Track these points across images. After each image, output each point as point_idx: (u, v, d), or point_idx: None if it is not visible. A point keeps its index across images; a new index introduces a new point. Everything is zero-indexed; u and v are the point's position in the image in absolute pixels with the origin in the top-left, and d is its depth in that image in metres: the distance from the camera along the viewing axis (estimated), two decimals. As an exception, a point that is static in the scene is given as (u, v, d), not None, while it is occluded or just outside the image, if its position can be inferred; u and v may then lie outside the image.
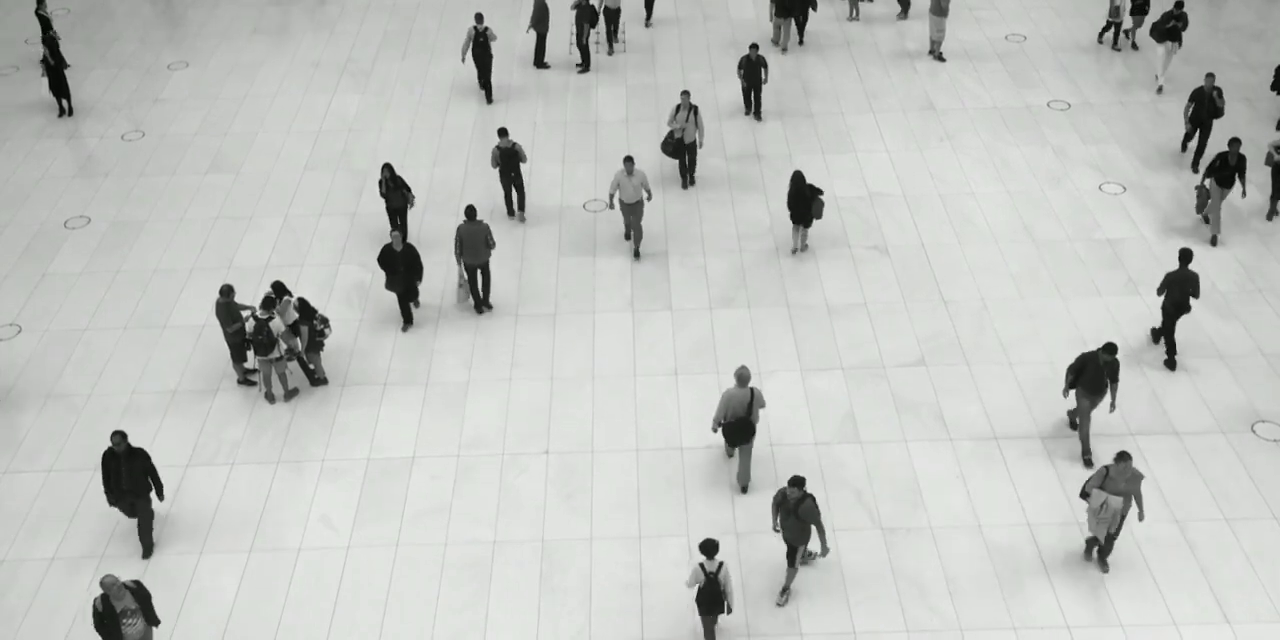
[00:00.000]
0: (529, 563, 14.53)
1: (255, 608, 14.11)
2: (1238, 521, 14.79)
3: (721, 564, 12.65)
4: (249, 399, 17.09)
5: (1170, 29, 23.03)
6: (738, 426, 14.82)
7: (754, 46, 22.25)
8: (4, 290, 19.34)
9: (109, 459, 14.28)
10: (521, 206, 20.50)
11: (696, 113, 20.45)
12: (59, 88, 23.66)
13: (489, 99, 24.03)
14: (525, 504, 15.31)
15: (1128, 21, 26.69)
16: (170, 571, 14.55)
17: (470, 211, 17.84)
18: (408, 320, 18.14)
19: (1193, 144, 22.28)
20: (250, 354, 17.57)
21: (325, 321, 16.91)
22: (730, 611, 13.00)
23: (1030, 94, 23.88)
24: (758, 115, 23.11)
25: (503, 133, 19.63)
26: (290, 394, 17.00)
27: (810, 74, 24.85)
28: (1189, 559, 14.34)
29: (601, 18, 26.39)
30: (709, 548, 12.49)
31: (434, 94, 24.53)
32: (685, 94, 20.39)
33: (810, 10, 25.53)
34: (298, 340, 16.66)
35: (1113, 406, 15.12)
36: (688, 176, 21.19)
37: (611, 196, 18.89)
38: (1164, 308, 16.81)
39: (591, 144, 22.72)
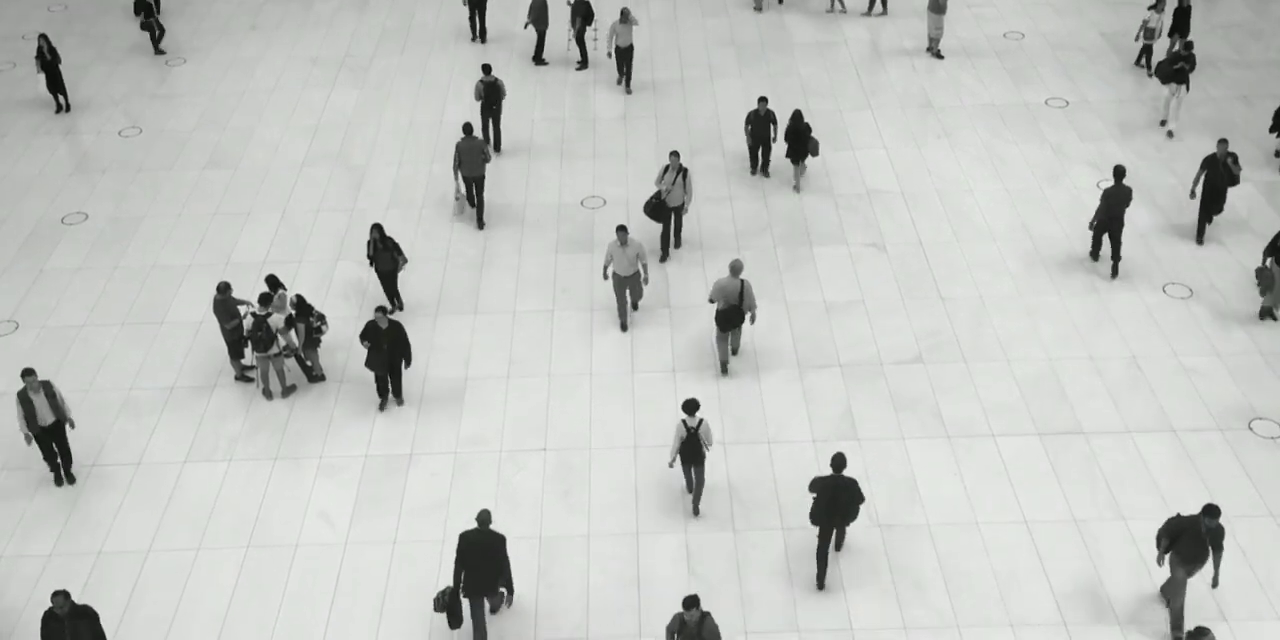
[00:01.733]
0: (527, 559, 14.54)
1: (253, 603, 14.11)
2: (1235, 519, 14.81)
3: (701, 421, 14.35)
4: (247, 395, 17.08)
5: (1177, 70, 21.49)
6: (729, 312, 16.61)
7: (763, 100, 20.23)
8: (1, 286, 19.32)
9: (50, 623, 12.19)
10: (498, 141, 22.26)
11: (686, 175, 18.72)
12: (55, 84, 23.61)
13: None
14: (523, 501, 15.32)
15: (1163, 43, 25.38)
16: (168, 567, 14.55)
17: (467, 128, 19.67)
18: (386, 400, 16.64)
19: (1198, 197, 19.86)
20: (248, 350, 17.55)
21: (322, 318, 16.90)
22: (708, 447, 14.54)
23: (1028, 91, 23.89)
24: (765, 172, 21.30)
25: (486, 69, 21.52)
26: (288, 390, 16.99)
27: (808, 71, 24.84)
28: (1186, 556, 14.36)
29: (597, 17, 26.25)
30: (690, 406, 14.24)
31: (432, 89, 24.50)
32: (674, 155, 18.60)
33: None
34: (293, 334, 16.64)
35: (1215, 581, 13.05)
36: (672, 243, 19.44)
37: (605, 268, 17.44)
38: (1098, 223, 18.52)
39: (590, 141, 22.71)
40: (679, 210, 19.06)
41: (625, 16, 22.95)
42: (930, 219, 20.28)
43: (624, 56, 23.62)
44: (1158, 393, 16.69)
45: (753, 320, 16.92)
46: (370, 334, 16.12)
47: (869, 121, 23.06)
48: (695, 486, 14.73)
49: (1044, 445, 15.95)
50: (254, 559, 14.66)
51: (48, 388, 14.95)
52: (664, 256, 19.19)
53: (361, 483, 15.63)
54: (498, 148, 22.26)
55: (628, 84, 23.97)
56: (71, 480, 15.64)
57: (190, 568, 14.55)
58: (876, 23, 26.66)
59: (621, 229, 16.87)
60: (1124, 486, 15.30)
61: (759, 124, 20.61)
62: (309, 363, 17.04)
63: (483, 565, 13.06)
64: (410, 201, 21.01)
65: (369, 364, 16.25)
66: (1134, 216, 20.14)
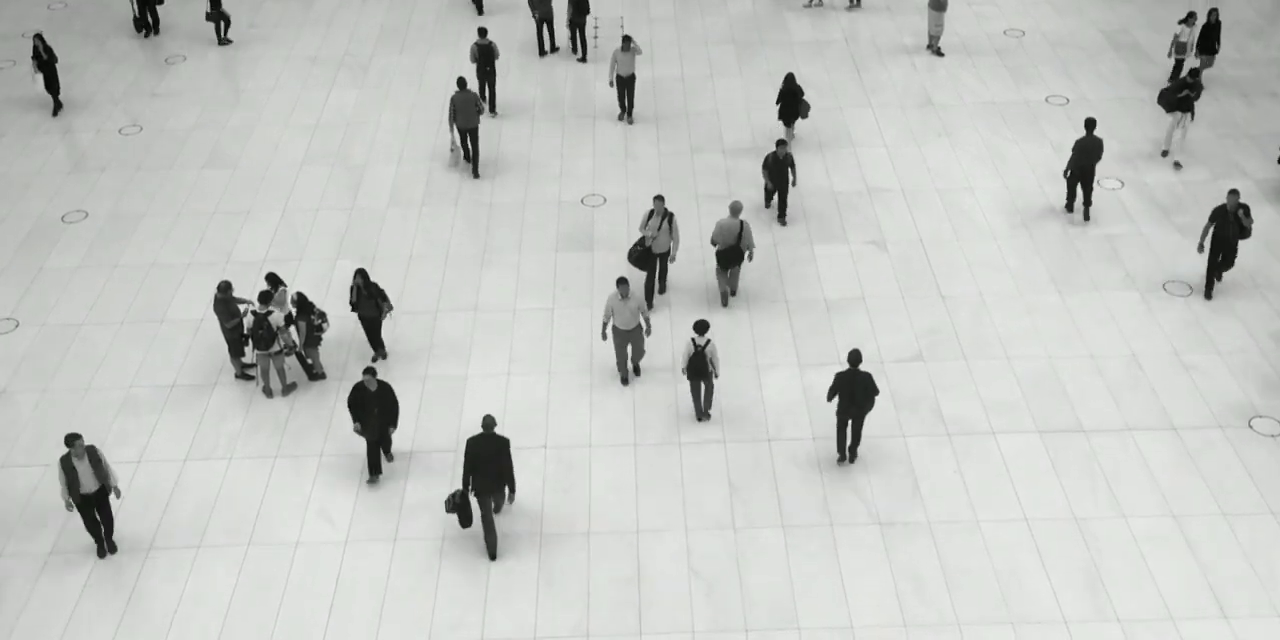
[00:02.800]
0: (526, 557, 14.53)
1: (253, 601, 14.11)
2: (1235, 516, 14.82)
3: (709, 341, 15.57)
4: (247, 393, 17.08)
5: (1183, 98, 20.55)
6: (729, 252, 17.81)
7: (781, 143, 18.99)
8: (1, 284, 19.31)
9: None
10: (493, 102, 23.35)
11: (672, 221, 17.56)
12: (52, 84, 23.53)
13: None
14: (523, 498, 15.31)
15: (1193, 61, 24.43)
16: (168, 565, 14.54)
17: (461, 82, 20.70)
18: (375, 471, 15.41)
19: (1207, 253, 18.93)
20: (248, 348, 17.55)
21: (323, 316, 16.90)
22: (717, 376, 15.90)
23: (1029, 89, 23.88)
24: (781, 219, 19.94)
25: (482, 32, 22.50)
26: (288, 389, 16.99)
27: (808, 68, 24.83)
28: (1186, 554, 14.36)
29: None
30: (700, 326, 15.48)
31: (432, 88, 24.49)
32: (659, 199, 17.51)
33: None
34: (293, 332, 16.64)
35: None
36: (656, 289, 18.33)
37: (605, 325, 16.37)
38: (1071, 173, 19.58)
39: (590, 139, 22.70)
40: (665, 257, 17.94)
41: (627, 44, 21.93)
42: (931, 217, 20.28)
43: (625, 85, 22.46)
44: (1158, 390, 16.69)
45: (750, 258, 18.14)
46: (358, 400, 14.88)
47: (869, 119, 23.05)
48: (705, 396, 16.17)
49: (1044, 443, 15.94)
50: (254, 557, 14.66)
51: (92, 453, 13.92)
52: (649, 305, 17.76)
53: (362, 481, 15.62)
54: (493, 108, 23.41)
55: (629, 115, 22.91)
56: (114, 550, 14.61)
57: (190, 566, 14.55)
58: (877, 20, 26.64)
59: (622, 282, 15.85)
60: (1124, 484, 15.30)
61: (776, 168, 19.27)
62: (309, 361, 17.04)
63: (489, 467, 14.09)
64: (410, 200, 21.01)
65: (359, 431, 15.07)
66: (1135, 215, 20.15)
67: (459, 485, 15.53)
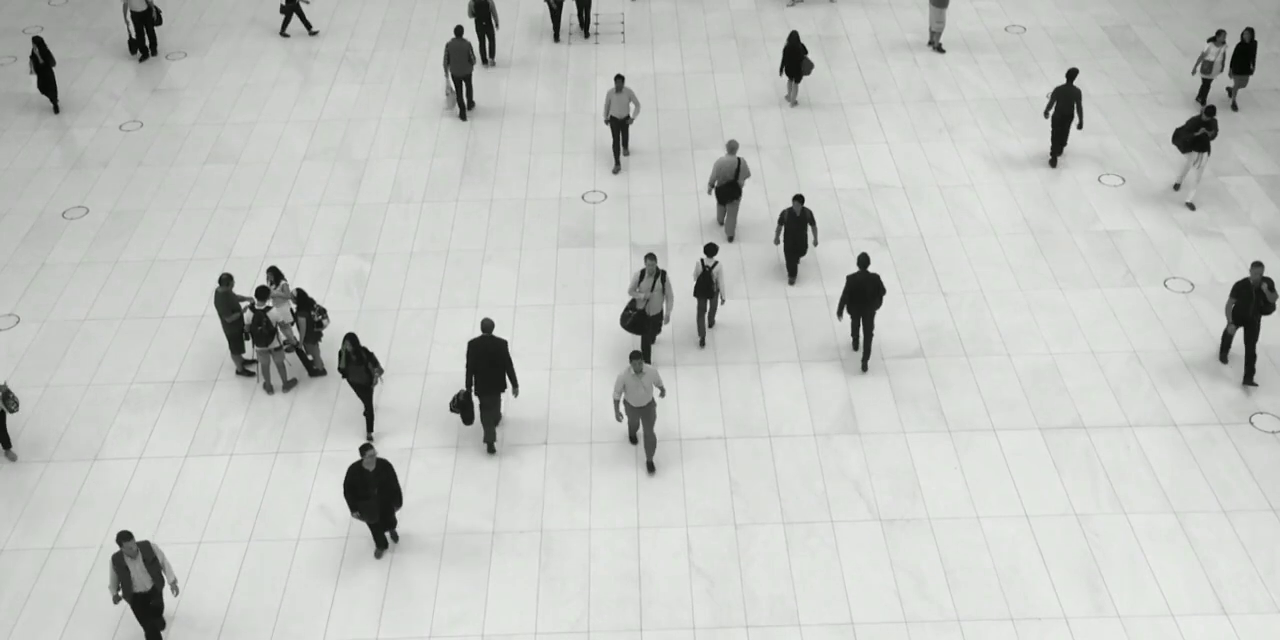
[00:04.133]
0: (527, 553, 14.55)
1: (254, 597, 14.12)
2: (1235, 513, 14.82)
3: (717, 262, 16.77)
4: (247, 389, 17.09)
5: (1199, 137, 19.55)
6: (727, 188, 18.91)
7: (798, 199, 17.69)
8: (2, 280, 19.32)
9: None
10: (492, 53, 24.85)
11: (664, 280, 16.46)
12: (48, 86, 23.38)
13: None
14: (524, 494, 15.33)
15: (1223, 79, 23.67)
16: (170, 561, 14.55)
17: (457, 30, 22.09)
18: (382, 546, 14.49)
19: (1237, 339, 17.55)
20: (249, 344, 17.56)
21: (323, 312, 16.90)
22: (723, 302, 17.28)
23: (1030, 85, 23.86)
24: (792, 279, 18.67)
25: None
26: (289, 385, 17.00)
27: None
28: (1187, 550, 14.37)
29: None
30: (710, 249, 16.65)
31: (433, 84, 24.48)
32: (650, 258, 16.31)
33: None
34: (294, 329, 16.64)
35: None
36: (646, 349, 17.15)
37: (616, 403, 15.05)
38: (1053, 119, 20.75)
39: (590, 135, 22.69)
40: (658, 319, 16.81)
41: (620, 84, 20.52)
42: (931, 213, 20.27)
43: (618, 127, 21.04)
44: (1159, 387, 16.69)
45: (744, 181, 19.33)
46: (357, 482, 13.65)
47: (870, 116, 23.04)
48: (709, 318, 17.43)
49: (1045, 439, 15.95)
50: (255, 553, 14.68)
51: (146, 551, 12.82)
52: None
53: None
54: (492, 57, 24.94)
55: (624, 154, 21.78)
56: None
57: (192, 561, 14.57)
58: (878, 17, 26.62)
59: (636, 356, 14.64)
60: (1125, 481, 15.31)
61: (794, 225, 18.00)
62: (310, 357, 17.05)
63: (489, 368, 15.19)
64: (411, 196, 21.01)
65: (358, 515, 13.82)
66: (1135, 212, 20.14)
67: (460, 473, 15.56)
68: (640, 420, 15.39)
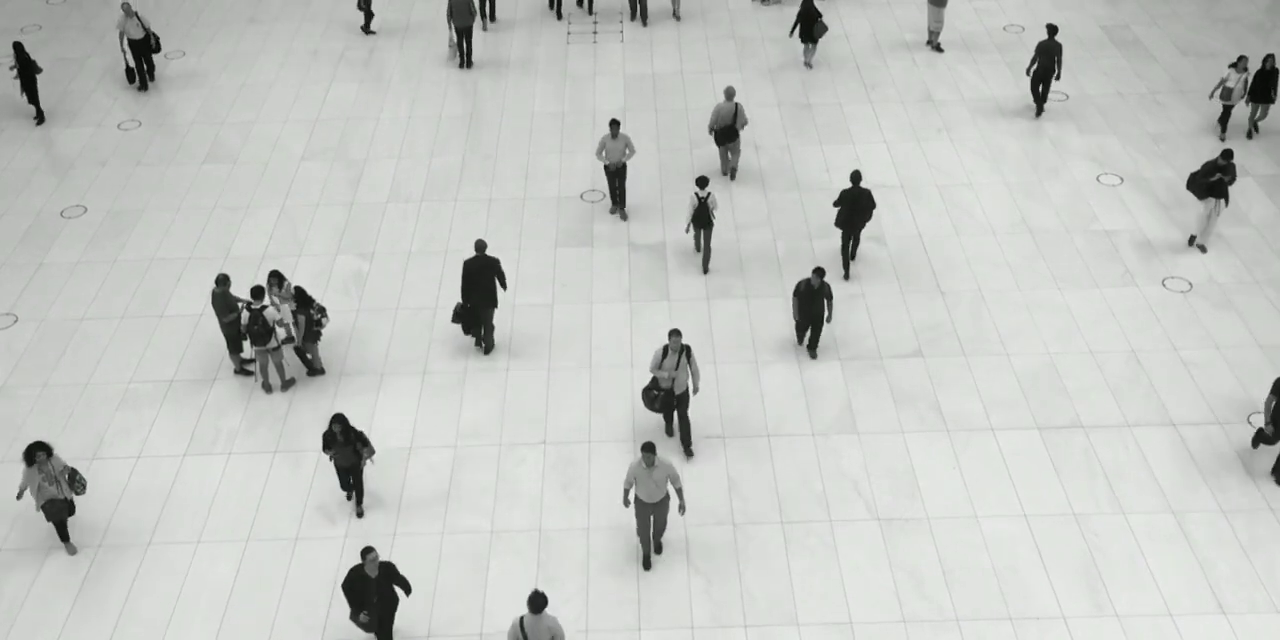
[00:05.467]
0: (526, 552, 14.55)
1: (252, 597, 14.11)
2: (1233, 513, 14.83)
3: (710, 193, 18.11)
4: (246, 389, 17.08)
5: (1215, 183, 18.44)
6: (725, 132, 20.33)
7: (818, 271, 16.33)
8: (0, 280, 19.31)
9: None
10: (492, 16, 26.43)
11: (689, 356, 15.23)
12: (31, 93, 23.12)
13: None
14: (522, 493, 15.32)
15: (1242, 106, 22.74)
16: (167, 560, 14.55)
17: None
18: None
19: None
20: (246, 343, 17.55)
21: (322, 311, 16.89)
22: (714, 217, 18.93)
23: (1028, 85, 23.84)
24: (813, 353, 17.35)
25: None
26: (287, 384, 16.99)
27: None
28: (1185, 550, 14.37)
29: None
30: (702, 181, 18.00)
31: (431, 83, 24.48)
32: (675, 334, 14.97)
33: None
34: (294, 327, 16.62)
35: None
36: (679, 437, 15.88)
37: (626, 493, 13.92)
38: (1035, 74, 22.15)
39: (589, 135, 22.68)
40: (685, 397, 15.49)
41: (615, 129, 19.37)
42: (930, 213, 20.27)
43: (615, 176, 19.92)
44: (1157, 386, 16.69)
45: (742, 127, 20.40)
46: (358, 588, 12.66)
47: (869, 115, 23.03)
48: (704, 248, 18.57)
49: (1043, 439, 15.95)
50: (253, 552, 14.66)
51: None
52: (669, 431, 16.06)
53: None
54: (493, 19, 26.51)
55: (621, 207, 20.31)
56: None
57: (190, 561, 14.56)
58: (877, 16, 26.61)
59: (648, 448, 13.36)
60: (1123, 480, 15.31)
61: (808, 299, 16.67)
62: (309, 356, 17.04)
63: (483, 282, 16.51)
64: (409, 196, 21.00)
65: (360, 624, 12.87)
66: (1134, 212, 20.14)
67: (458, 473, 15.55)
68: (651, 517, 13.97)
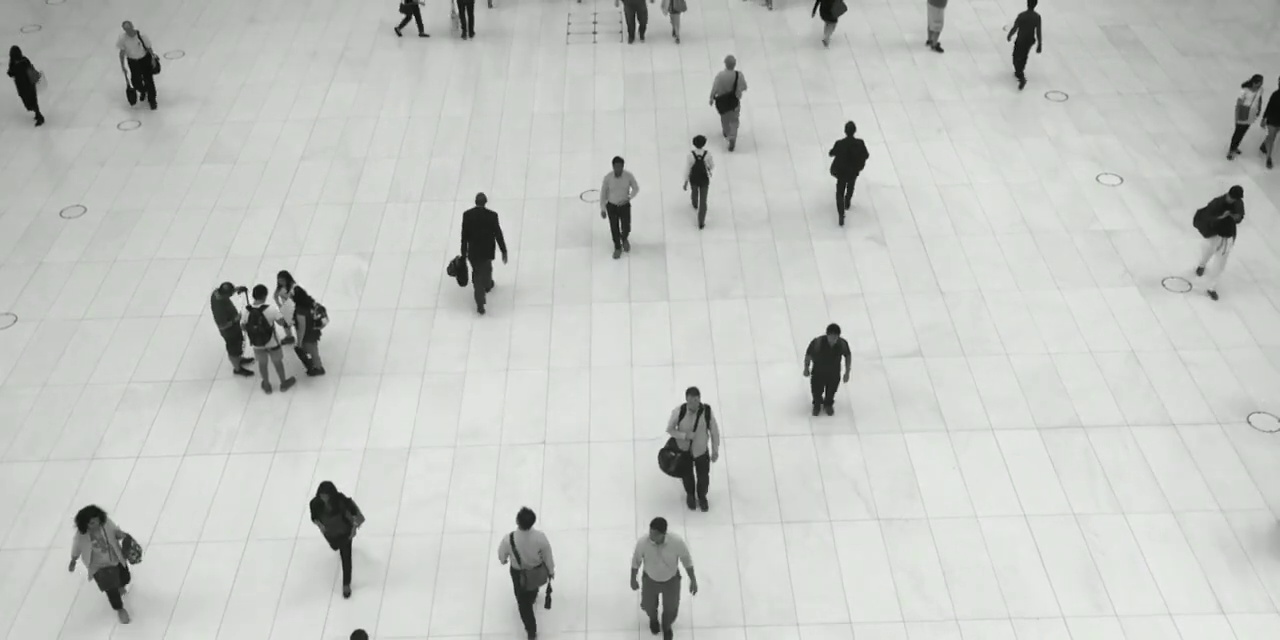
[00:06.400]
0: (526, 553, 14.54)
1: (252, 596, 14.11)
2: (1233, 512, 14.83)
3: (707, 152, 19.10)
4: (245, 389, 17.08)
5: (1224, 221, 17.58)
6: (725, 99, 21.33)
7: (833, 329, 15.36)
8: (0, 279, 19.30)
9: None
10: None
11: (709, 416, 14.25)
12: (27, 95, 23.06)
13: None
14: (522, 494, 15.32)
15: (1261, 130, 21.93)
16: (167, 560, 14.55)
17: None
18: None
19: None
20: (246, 343, 17.54)
21: (322, 310, 16.88)
22: (710, 175, 19.67)
23: (1028, 85, 23.86)
24: (829, 409, 16.43)
25: None
26: (287, 384, 16.99)
27: (807, 64, 24.81)
28: (1184, 549, 14.37)
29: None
30: (699, 141, 18.98)
31: (431, 82, 24.47)
32: (694, 393, 14.05)
33: None
34: (294, 328, 16.61)
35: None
36: (696, 496, 15.02)
37: (634, 573, 13.07)
38: (1015, 44, 23.25)
39: (589, 135, 22.69)
40: (704, 460, 14.66)
41: (619, 168, 18.34)
42: (929, 212, 20.27)
43: (618, 214, 18.91)
44: (1156, 386, 16.69)
45: (742, 92, 21.38)
46: None
47: (868, 115, 23.03)
48: (700, 204, 19.66)
49: (1043, 439, 15.95)
50: (253, 552, 14.66)
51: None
52: (690, 502, 15.08)
53: (361, 476, 15.63)
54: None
55: (623, 246, 19.45)
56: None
57: (190, 561, 14.56)
58: (877, 16, 26.62)
59: (658, 525, 12.56)
60: (1123, 480, 15.31)
61: (824, 358, 15.65)
62: (309, 355, 17.04)
63: (483, 235, 17.33)
64: (409, 195, 21.00)
65: None
66: (1134, 211, 20.14)
67: (458, 473, 15.55)
68: (661, 596, 13.22)
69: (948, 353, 17.37)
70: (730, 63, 20.99)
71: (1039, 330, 17.73)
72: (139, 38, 23.03)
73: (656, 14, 26.56)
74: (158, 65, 23.57)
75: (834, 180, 20.77)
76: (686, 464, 14.45)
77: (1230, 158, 21.34)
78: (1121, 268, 18.90)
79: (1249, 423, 16.10)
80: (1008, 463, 15.62)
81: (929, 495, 15.18)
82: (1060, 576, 14.12)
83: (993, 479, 15.39)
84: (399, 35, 26.26)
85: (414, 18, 26.17)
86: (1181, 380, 16.79)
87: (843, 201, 19.77)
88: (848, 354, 15.64)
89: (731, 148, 21.88)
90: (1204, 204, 20.14)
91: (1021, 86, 23.50)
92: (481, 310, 17.94)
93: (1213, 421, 16.13)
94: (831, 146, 19.63)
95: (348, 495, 14.20)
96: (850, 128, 19.21)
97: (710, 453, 14.72)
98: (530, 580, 12.99)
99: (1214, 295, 18.20)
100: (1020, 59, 23.35)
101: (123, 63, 23.27)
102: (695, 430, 14.21)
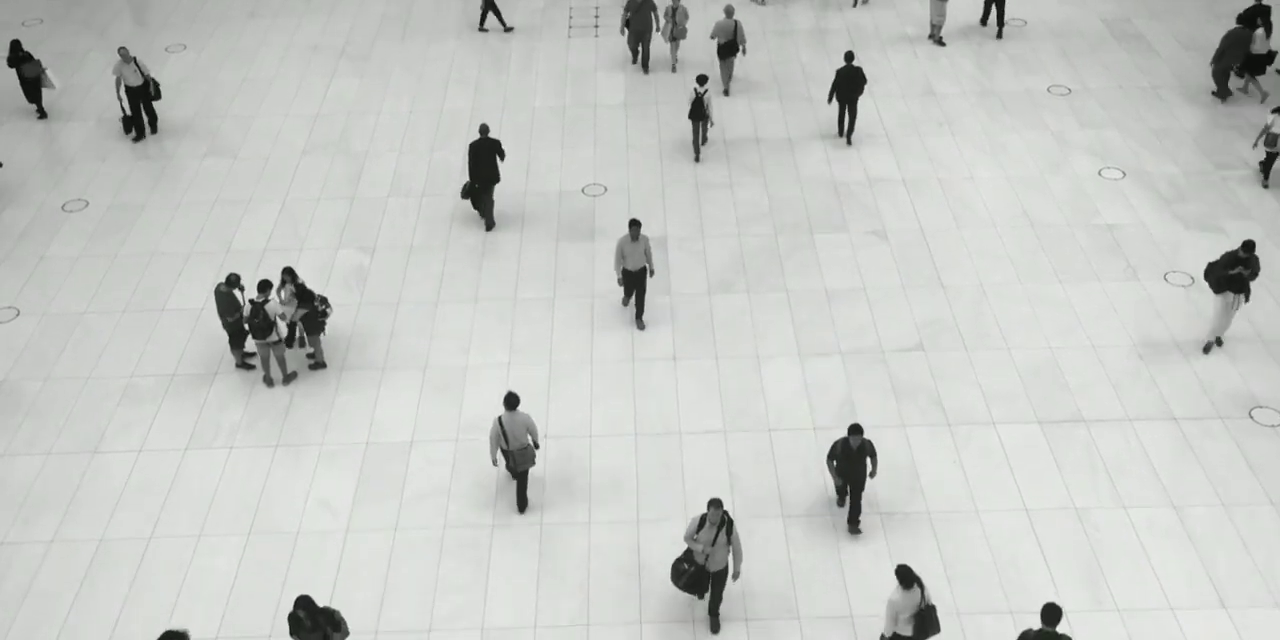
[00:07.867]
0: (527, 546, 14.56)
1: (254, 590, 14.13)
2: (1235, 507, 14.83)
3: (707, 89, 20.54)
4: (247, 383, 17.09)
5: (1235, 276, 16.46)
6: (727, 45, 22.67)
7: (857, 430, 13.79)
8: (2, 273, 19.31)
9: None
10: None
11: (730, 531, 12.89)
12: (30, 90, 23.07)
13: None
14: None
15: None
16: (169, 554, 14.57)
17: None
18: None
19: None
20: (248, 337, 17.55)
21: (325, 301, 16.88)
22: (712, 124, 21.01)
23: (1030, 79, 23.83)
24: (854, 527, 14.62)
25: None
26: (289, 378, 17.00)
27: (808, 58, 24.78)
28: (1186, 544, 14.38)
29: None
30: (701, 79, 20.54)
31: (433, 77, 24.45)
32: (715, 505, 12.71)
33: None
34: (292, 321, 16.60)
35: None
36: (708, 614, 13.58)
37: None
38: (995, 3, 24.85)
39: (590, 129, 22.67)
40: (722, 575, 13.26)
41: (636, 231, 16.87)
42: (931, 206, 20.26)
43: (635, 282, 17.38)
44: (1158, 381, 16.69)
45: (744, 52, 22.94)
46: None
47: (870, 109, 23.01)
48: (698, 137, 21.20)
49: (1045, 433, 15.95)
50: (255, 546, 14.68)
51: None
52: (714, 626, 13.58)
53: (362, 470, 15.65)
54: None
55: (638, 315, 17.78)
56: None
57: (191, 555, 14.58)
58: (879, 10, 26.58)
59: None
60: (1124, 475, 15.31)
61: (848, 460, 14.08)
62: (311, 350, 17.03)
63: (487, 161, 19.13)
64: (410, 190, 20.99)
65: None
66: (1136, 206, 20.12)
67: (459, 467, 15.56)
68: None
69: (949, 347, 17.37)
70: (729, 12, 22.46)
71: (1041, 324, 17.72)
72: (136, 64, 21.75)
73: (658, 41, 25.91)
74: (157, 92, 22.23)
75: (836, 106, 22.92)
76: (702, 578, 13.08)
77: (1266, 186, 20.28)
78: (1124, 262, 18.88)
79: (1251, 417, 16.09)
80: (1009, 457, 15.62)
81: (930, 489, 15.18)
82: (1061, 570, 14.12)
83: (994, 473, 15.39)
84: (483, 31, 26.07)
85: (487, 11, 25.78)
86: (1183, 374, 16.78)
87: (844, 123, 21.68)
88: (873, 454, 14.10)
89: (727, 93, 23.39)
90: (1207, 200, 20.11)
91: (1000, 35, 25.36)
92: (490, 227, 19.82)
93: (1215, 416, 16.12)
94: (834, 77, 22.23)
95: (331, 607, 12.71)
96: (849, 56, 21.08)
97: (732, 570, 13.62)
98: (519, 461, 14.43)
99: (1217, 343, 17.20)
100: (999, 14, 25.19)
101: (119, 91, 21.83)
102: (714, 545, 12.86)
